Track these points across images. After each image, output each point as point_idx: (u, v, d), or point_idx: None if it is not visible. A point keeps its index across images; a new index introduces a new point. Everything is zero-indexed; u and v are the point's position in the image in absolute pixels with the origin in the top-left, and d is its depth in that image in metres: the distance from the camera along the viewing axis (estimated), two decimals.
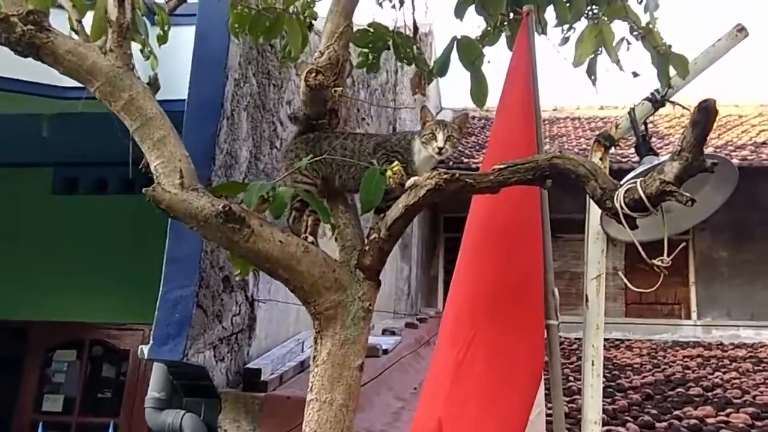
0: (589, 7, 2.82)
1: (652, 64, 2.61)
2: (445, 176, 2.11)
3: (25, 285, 6.42)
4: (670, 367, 6.79)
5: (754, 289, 10.30)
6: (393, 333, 7.11)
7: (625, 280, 2.08)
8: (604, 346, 7.33)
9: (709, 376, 6.30)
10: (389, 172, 2.15)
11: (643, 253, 1.93)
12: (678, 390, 5.53)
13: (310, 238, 2.25)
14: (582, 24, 3.23)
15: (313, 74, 2.33)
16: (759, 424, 4.38)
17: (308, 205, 2.29)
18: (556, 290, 2.48)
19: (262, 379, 4.05)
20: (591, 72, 3.03)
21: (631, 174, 2.26)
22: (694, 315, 10.56)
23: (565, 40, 3.25)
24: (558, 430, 2.32)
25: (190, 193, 2.09)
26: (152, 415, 3.93)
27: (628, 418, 4.47)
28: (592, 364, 2.42)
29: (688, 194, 1.81)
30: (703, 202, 2.41)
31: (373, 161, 2.25)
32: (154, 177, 2.10)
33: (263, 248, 2.10)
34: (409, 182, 2.19)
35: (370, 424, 4.08)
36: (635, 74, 2.95)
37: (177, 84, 4.02)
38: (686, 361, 7.25)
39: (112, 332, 6.89)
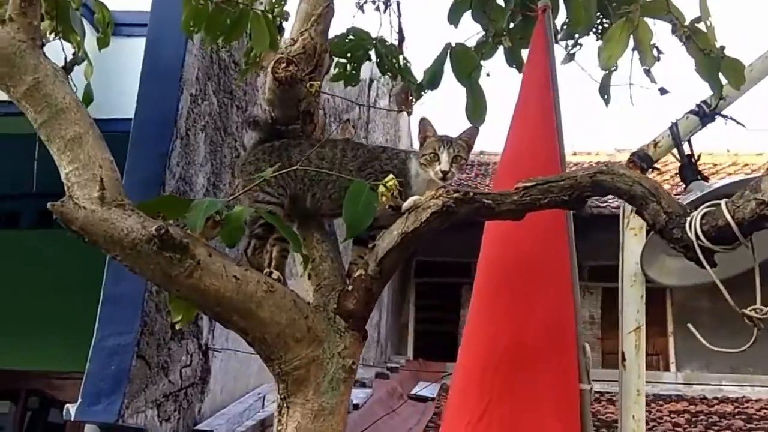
0: (614, 4, 2.37)
1: (696, 72, 2.14)
2: (455, 195, 1.61)
3: None
4: (659, 424, 6.32)
5: (734, 342, 9.94)
6: (363, 385, 6.53)
7: (698, 334, 1.57)
8: None
9: None
10: (381, 188, 1.64)
11: (730, 300, 1.43)
12: None
13: (276, 274, 1.72)
14: (589, 39, 2.81)
15: (283, 65, 1.83)
16: None
17: (273, 231, 1.77)
18: (587, 345, 1.97)
19: None
20: (605, 90, 2.57)
21: (685, 202, 1.77)
22: (672, 367, 10.15)
23: (570, 56, 2.81)
24: None
25: (113, 210, 1.55)
26: None
27: None
28: None
29: None
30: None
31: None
32: (65, 188, 1.56)
33: (212, 286, 1.56)
34: (407, 203, 1.68)
35: None
36: (663, 91, 2.50)
37: (126, 103, 3.50)
38: (674, 417, 6.79)
39: (53, 381, 6.20)
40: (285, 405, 1.67)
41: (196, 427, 3.54)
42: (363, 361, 8.23)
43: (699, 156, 2.06)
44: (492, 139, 3.71)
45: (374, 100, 8.33)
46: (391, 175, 1.66)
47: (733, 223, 1.38)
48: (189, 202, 1.60)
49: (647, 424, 6.12)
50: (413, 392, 7.82)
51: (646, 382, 6.79)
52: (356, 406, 5.37)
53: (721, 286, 1.44)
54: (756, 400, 7.98)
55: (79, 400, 2.95)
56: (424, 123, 1.83)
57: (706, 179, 2.04)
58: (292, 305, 1.65)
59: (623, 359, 1.97)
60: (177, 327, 1.77)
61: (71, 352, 4.53)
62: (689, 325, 1.57)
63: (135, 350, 3.03)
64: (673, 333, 10.35)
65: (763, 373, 9.12)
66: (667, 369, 10.13)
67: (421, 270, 10.99)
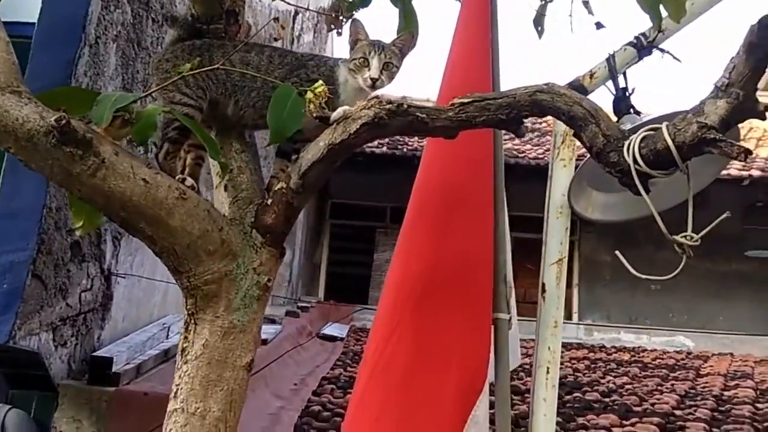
0: None
1: (637, 2, 2.09)
2: (388, 106, 1.52)
3: None
4: (560, 369, 6.50)
5: (634, 294, 10.34)
6: (273, 321, 6.44)
7: (625, 261, 1.54)
8: None
9: (601, 381, 6.04)
10: (309, 95, 1.52)
11: (662, 226, 1.40)
12: (575, 395, 5.19)
13: (189, 181, 1.59)
14: None
15: None
16: None
17: (188, 137, 1.63)
18: (509, 275, 1.93)
19: (113, 369, 3.30)
20: (539, 22, 2.50)
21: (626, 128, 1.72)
22: (575, 317, 10.51)
23: None
24: None
25: (6, 96, 1.38)
26: None
27: None
28: (547, 372, 1.89)
29: (738, 143, 1.29)
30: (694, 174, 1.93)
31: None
32: None
33: (118, 188, 1.42)
34: (336, 113, 1.57)
35: (245, 426, 3.41)
36: (599, 25, 2.45)
37: (30, 5, 3.21)
38: (574, 363, 7.01)
39: None
40: (193, 321, 1.55)
41: (94, 353, 3.37)
42: (273, 300, 8.15)
43: (633, 90, 2.02)
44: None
45: (299, 34, 8.07)
46: (320, 81, 1.55)
47: (672, 147, 1.34)
48: (95, 95, 1.43)
49: None
50: (323, 332, 7.80)
51: None
52: (264, 341, 5.28)
53: (655, 212, 1.40)
54: (651, 350, 8.36)
55: None
56: (356, 25, 1.71)
57: (638, 113, 2.01)
58: (205, 215, 1.53)
59: (543, 291, 1.94)
60: (78, 234, 1.62)
61: None
62: (617, 252, 1.53)
63: (30, 269, 2.83)
64: (578, 285, 10.69)
65: (658, 326, 9.58)
66: (569, 319, 10.47)
67: (336, 212, 10.90)
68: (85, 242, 3.30)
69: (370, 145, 9.77)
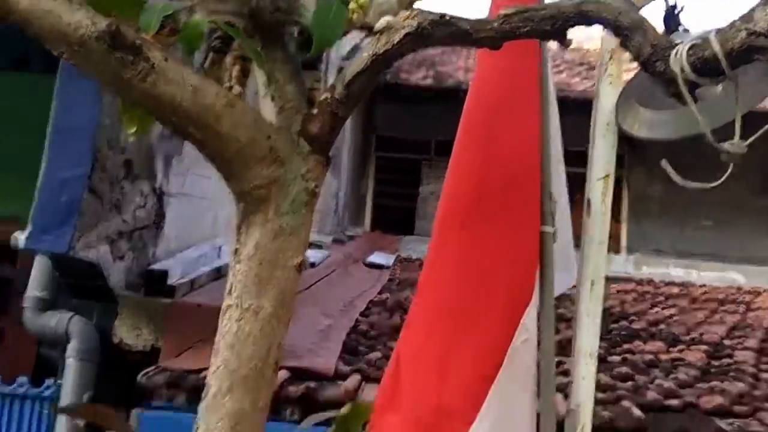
0: None
1: None
2: (431, 17, 1.52)
3: None
4: (606, 300, 6.52)
5: (683, 229, 10.21)
6: (320, 247, 6.57)
7: (670, 170, 1.54)
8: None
9: (649, 311, 6.05)
10: (353, 4, 1.53)
11: (709, 135, 1.40)
12: (621, 323, 5.22)
13: (237, 89, 1.62)
14: None
15: None
16: (716, 363, 4.08)
17: (231, 46, 1.65)
18: (554, 192, 1.94)
19: (169, 282, 3.44)
20: None
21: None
22: (624, 251, 10.43)
23: None
24: (547, 362, 1.82)
25: (59, 2, 1.42)
26: (32, 317, 3.29)
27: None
28: (592, 285, 1.91)
29: None
30: (747, 89, 1.89)
31: None
32: None
33: (167, 93, 1.46)
34: (379, 23, 1.57)
35: (295, 341, 3.53)
36: None
37: None
38: (621, 296, 7.00)
39: None
40: (245, 225, 1.61)
41: (151, 267, 3.51)
42: (319, 230, 8.27)
43: (683, 7, 1.97)
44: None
45: None
46: None
47: (720, 54, 1.32)
48: (143, 2, 1.47)
49: None
50: (369, 260, 7.90)
51: None
52: (312, 264, 5.41)
53: (701, 119, 1.39)
54: (700, 285, 8.28)
55: (29, 228, 2.87)
56: None
57: (687, 31, 1.97)
58: (252, 123, 1.57)
59: (588, 207, 1.95)
60: (131, 139, 1.67)
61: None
62: (663, 161, 1.52)
63: (86, 183, 2.94)
64: (627, 219, 10.58)
65: (709, 260, 9.44)
66: (618, 253, 10.40)
67: (381, 145, 10.89)
68: (138, 161, 3.40)
69: (415, 77, 9.72)
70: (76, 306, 3.36)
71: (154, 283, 3.43)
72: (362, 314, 4.89)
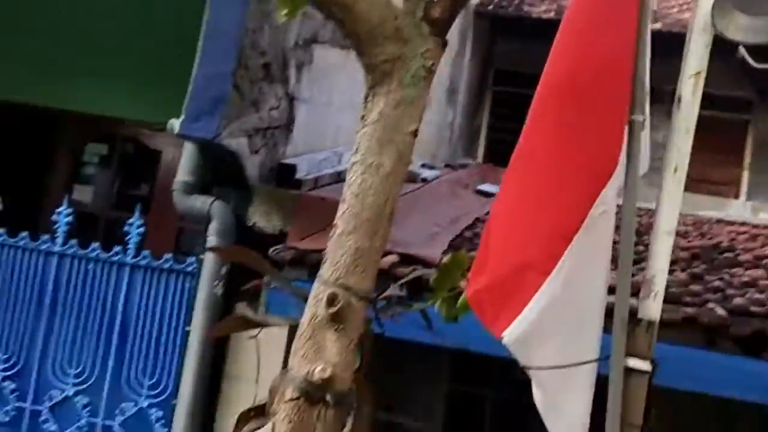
0: None
1: None
2: None
3: (58, 75, 6.14)
4: (717, 237, 6.52)
5: None
6: (433, 168, 6.86)
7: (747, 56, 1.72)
8: (645, 214, 7.04)
9: (758, 248, 6.00)
10: None
11: None
12: (726, 254, 5.25)
13: None
14: None
15: None
16: None
17: None
18: (647, 82, 2.14)
19: (297, 176, 3.84)
20: None
21: None
22: (743, 197, 10.17)
23: None
24: (626, 237, 2.05)
25: None
26: (180, 198, 3.78)
27: (675, 269, 4.23)
28: (675, 171, 2.12)
29: None
30: None
31: None
32: None
33: None
34: None
35: (405, 239, 3.88)
36: None
37: None
38: (733, 235, 6.94)
39: (145, 131, 6.72)
40: (372, 95, 1.93)
41: (282, 161, 3.92)
42: (433, 157, 8.56)
43: None
44: None
45: None
46: None
47: None
48: None
49: (705, 236, 6.22)
50: (479, 187, 8.14)
51: (714, 203, 6.86)
52: (424, 180, 5.73)
53: None
54: None
55: (182, 116, 3.32)
56: None
57: None
58: (384, 6, 1.87)
59: (679, 101, 2.14)
60: (282, 21, 2.00)
61: (165, 104, 4.92)
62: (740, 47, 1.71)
63: (232, 80, 3.34)
64: (750, 165, 10.27)
65: None
66: (737, 198, 10.17)
67: (499, 79, 10.94)
68: (275, 65, 3.78)
69: (536, 10, 9.66)
70: (216, 192, 3.82)
71: (284, 176, 3.84)
72: (467, 227, 5.18)
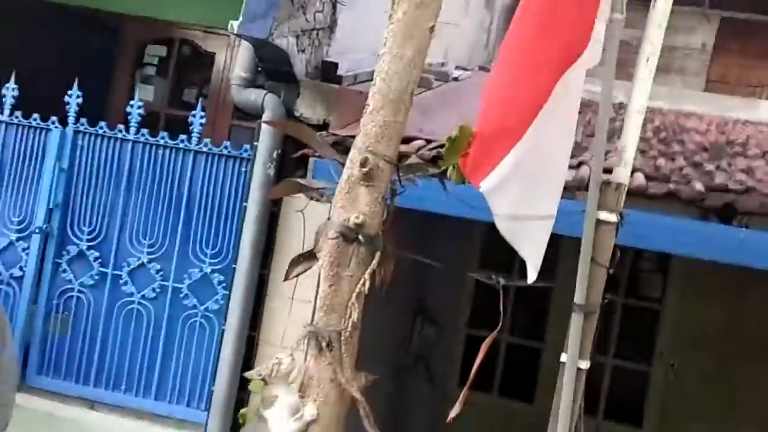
0: None
1: None
2: None
3: None
4: (737, 135, 6.86)
5: None
6: (465, 69, 7.26)
7: None
8: (671, 114, 7.42)
9: None
10: None
11: None
12: (736, 149, 5.60)
13: None
14: None
15: None
16: None
17: None
18: None
19: (338, 73, 4.35)
20: None
21: None
22: None
23: None
24: (603, 112, 2.53)
25: None
26: (238, 91, 4.33)
27: (678, 157, 4.62)
28: (647, 61, 2.57)
29: None
30: None
31: None
32: None
33: None
34: None
35: (433, 129, 4.38)
36: None
37: None
38: (755, 134, 7.25)
39: (199, 34, 7.25)
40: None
41: (325, 59, 4.43)
42: (469, 62, 8.89)
43: None
44: None
45: None
46: None
47: None
48: None
49: (723, 133, 6.62)
50: None
51: (742, 105, 7.15)
52: (456, 79, 6.19)
53: None
54: None
55: (240, 18, 3.83)
56: None
57: None
58: None
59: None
60: None
61: (219, 8, 5.42)
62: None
63: None
64: None
65: None
66: None
67: None
68: None
69: None
70: (268, 86, 4.35)
71: (327, 72, 4.34)
72: None
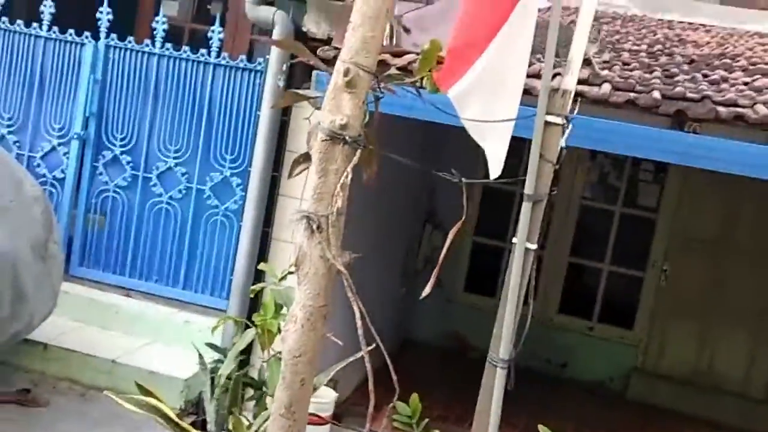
0: None
1: None
2: None
3: None
4: (735, 48, 7.01)
5: None
6: None
7: None
8: (681, 27, 7.66)
9: (767, 57, 6.44)
10: None
11: None
12: (724, 61, 5.77)
13: None
14: None
15: None
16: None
17: None
18: None
19: None
20: None
21: None
22: None
23: None
24: (551, 34, 2.91)
25: None
26: (251, 8, 4.73)
27: (657, 69, 4.90)
28: None
29: None
30: None
31: None
32: None
33: None
34: None
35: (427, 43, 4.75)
36: None
37: None
38: (754, 46, 7.34)
39: None
40: None
41: None
42: None
43: None
44: None
45: None
46: None
47: None
48: None
49: (722, 45, 6.77)
50: None
51: (755, 16, 7.31)
52: None
53: None
54: None
55: None
56: None
57: None
58: None
59: None
60: None
61: None
62: None
63: None
64: None
65: None
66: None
67: None
68: None
69: None
70: (278, 4, 4.75)
71: None
72: None
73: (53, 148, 5.57)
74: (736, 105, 3.78)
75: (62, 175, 5.57)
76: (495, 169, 3.04)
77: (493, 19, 2.82)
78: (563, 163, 3.59)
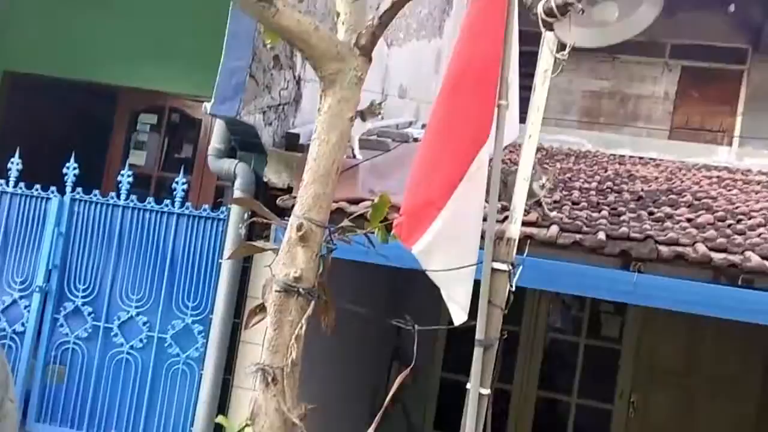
0: None
1: None
2: None
3: (116, 53, 7.32)
4: (682, 182, 7.34)
5: None
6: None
7: None
8: (632, 161, 8.01)
9: (712, 192, 6.74)
10: None
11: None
12: (671, 197, 6.06)
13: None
14: None
15: None
16: (721, 224, 4.73)
17: None
18: (514, 74, 3.15)
19: (300, 142, 4.94)
20: None
21: None
22: (735, 143, 10.91)
23: None
24: (494, 180, 3.09)
25: None
26: (213, 161, 4.91)
27: (605, 208, 5.14)
28: (530, 137, 3.14)
29: (579, 6, 2.45)
30: (638, 19, 3.01)
31: None
32: None
33: (285, 24, 2.84)
34: None
35: (390, 188, 4.93)
36: None
37: None
38: (700, 180, 7.68)
39: (188, 103, 7.90)
40: (324, 95, 2.98)
41: (289, 131, 5.02)
42: None
43: None
44: None
45: None
46: None
47: (554, 7, 2.50)
48: None
49: (670, 180, 7.07)
50: None
51: (702, 150, 7.71)
52: (416, 139, 6.77)
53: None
54: None
55: (212, 101, 4.43)
56: None
57: None
58: (329, 39, 2.92)
59: (533, 90, 3.15)
60: (268, 46, 3.05)
61: (205, 84, 6.06)
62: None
63: (248, 71, 4.42)
64: (743, 113, 11.00)
65: None
66: (730, 145, 10.92)
67: None
68: (283, 56, 4.84)
69: None
70: (240, 156, 4.94)
71: (291, 142, 4.92)
72: None
73: (14, 302, 5.55)
74: (677, 243, 3.95)
75: (22, 329, 5.52)
76: (458, 316, 3.12)
77: (452, 175, 3.00)
78: (526, 297, 3.63)
